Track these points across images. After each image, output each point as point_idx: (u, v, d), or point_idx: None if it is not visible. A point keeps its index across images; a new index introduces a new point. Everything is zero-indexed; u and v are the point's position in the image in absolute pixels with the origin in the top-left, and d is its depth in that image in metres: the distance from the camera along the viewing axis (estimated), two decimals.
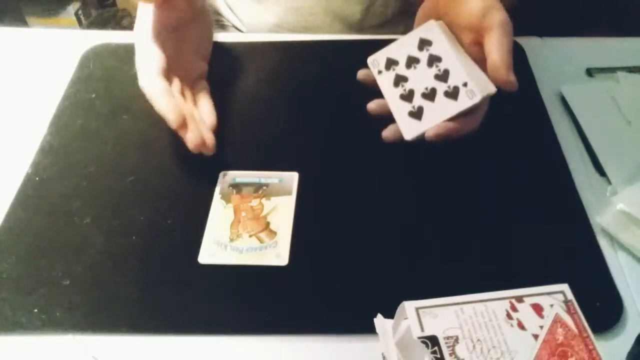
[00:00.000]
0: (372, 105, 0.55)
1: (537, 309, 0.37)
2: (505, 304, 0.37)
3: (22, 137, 0.59)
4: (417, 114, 0.52)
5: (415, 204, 0.53)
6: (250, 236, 0.50)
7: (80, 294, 0.47)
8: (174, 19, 0.57)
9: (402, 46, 0.54)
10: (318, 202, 0.53)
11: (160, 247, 0.50)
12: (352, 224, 0.51)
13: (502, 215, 0.52)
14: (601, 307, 0.45)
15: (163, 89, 0.51)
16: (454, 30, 0.53)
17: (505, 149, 0.57)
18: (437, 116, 0.51)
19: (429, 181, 0.55)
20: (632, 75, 0.64)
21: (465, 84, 0.50)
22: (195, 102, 0.57)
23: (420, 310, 0.37)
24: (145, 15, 0.56)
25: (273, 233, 0.50)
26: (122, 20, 1.78)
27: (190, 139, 0.51)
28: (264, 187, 0.54)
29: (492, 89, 0.50)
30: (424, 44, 0.53)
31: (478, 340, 0.36)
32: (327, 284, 0.47)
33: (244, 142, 0.58)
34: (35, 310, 0.45)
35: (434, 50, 0.52)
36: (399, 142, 0.54)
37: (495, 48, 0.49)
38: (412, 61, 0.53)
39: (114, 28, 1.75)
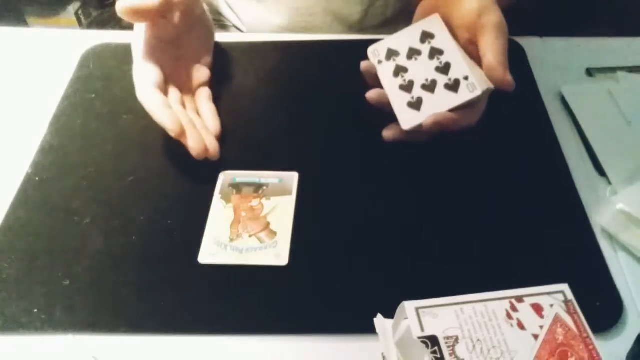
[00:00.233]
0: (372, 94, 0.54)
1: (537, 309, 0.37)
2: (505, 304, 0.37)
3: (22, 137, 0.59)
4: (416, 104, 0.51)
5: (415, 204, 0.53)
6: (250, 236, 0.50)
7: (80, 294, 0.47)
8: (171, 32, 0.57)
9: (404, 38, 0.54)
10: (318, 202, 0.53)
11: (160, 247, 0.50)
12: (352, 224, 0.51)
13: (502, 215, 0.52)
14: (601, 307, 0.45)
15: (159, 102, 0.52)
16: (450, 29, 0.54)
17: (505, 149, 0.57)
18: (437, 108, 0.51)
19: (429, 181, 0.55)
20: (632, 75, 0.64)
21: (466, 78, 0.50)
22: (198, 109, 0.57)
23: (420, 310, 0.37)
24: (142, 27, 0.56)
25: (273, 233, 0.50)
26: (122, 20, 1.78)
27: (192, 146, 0.51)
28: (264, 187, 0.54)
29: (492, 84, 0.51)
30: (426, 36, 0.53)
31: (478, 340, 0.36)
32: (327, 284, 0.47)
33: (244, 142, 0.58)
34: (35, 310, 0.45)
35: (436, 43, 0.52)
36: (399, 141, 0.54)
37: (490, 48, 0.49)
38: (413, 53, 0.53)
39: (114, 28, 1.75)
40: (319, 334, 0.45)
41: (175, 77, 0.57)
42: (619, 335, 0.45)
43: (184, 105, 0.56)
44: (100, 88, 0.63)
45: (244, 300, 0.46)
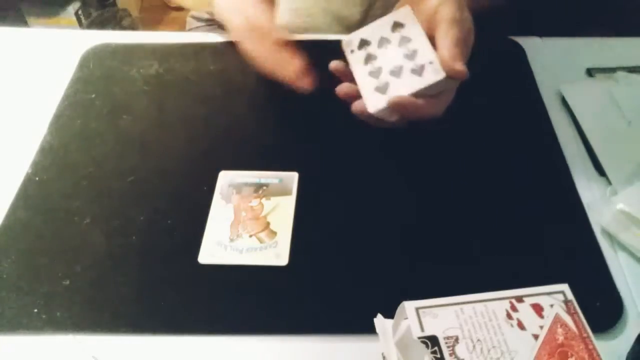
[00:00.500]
0: (341, 88, 0.55)
1: (537, 309, 0.37)
2: (505, 304, 0.37)
3: (22, 137, 0.59)
4: (382, 88, 0.52)
5: (415, 204, 0.53)
6: (250, 236, 0.50)
7: (80, 294, 0.47)
8: None
9: (376, 28, 0.55)
10: (318, 202, 0.53)
11: (160, 247, 0.50)
12: (352, 224, 0.51)
13: (502, 215, 0.52)
14: (601, 307, 0.45)
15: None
16: None
17: (505, 149, 0.57)
18: (402, 91, 0.51)
19: (429, 181, 0.55)
20: (632, 75, 0.64)
21: (431, 62, 0.51)
22: None
23: (420, 310, 0.37)
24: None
25: (273, 233, 0.50)
26: (122, 20, 1.78)
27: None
28: (264, 187, 0.54)
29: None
30: (396, 26, 0.54)
31: (478, 340, 0.36)
32: (327, 284, 0.47)
33: (244, 142, 0.58)
34: (35, 310, 0.45)
35: (405, 32, 0.53)
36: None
37: (442, 40, 0.50)
38: (383, 41, 0.54)
39: (114, 28, 1.75)
40: (319, 334, 0.45)
41: None
42: (619, 335, 0.45)
43: None
44: (100, 88, 0.63)
45: (244, 300, 0.46)
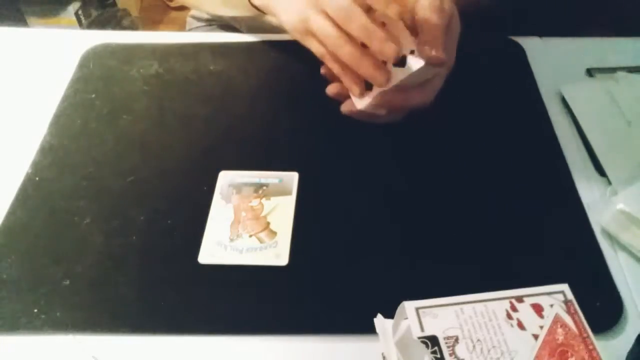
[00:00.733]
0: (331, 88, 0.55)
1: (537, 309, 0.37)
2: (505, 304, 0.37)
3: (22, 137, 0.59)
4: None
5: (415, 204, 0.53)
6: (250, 236, 0.50)
7: (80, 294, 0.47)
8: None
9: None
10: (318, 202, 0.53)
11: (160, 247, 0.50)
12: (352, 224, 0.51)
13: (502, 215, 0.52)
14: (601, 307, 0.45)
15: None
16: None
17: (505, 149, 0.57)
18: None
19: (429, 181, 0.55)
20: (632, 75, 0.64)
21: (412, 52, 0.50)
22: None
23: (420, 310, 0.37)
24: None
25: (273, 233, 0.50)
26: (122, 20, 1.78)
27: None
28: (264, 187, 0.54)
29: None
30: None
31: (478, 340, 0.36)
32: (327, 284, 0.47)
33: (244, 142, 0.58)
34: (35, 310, 0.45)
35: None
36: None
37: (421, 26, 0.49)
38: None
39: (114, 28, 1.75)
40: (319, 334, 0.45)
41: None
42: (619, 335, 0.45)
43: None
44: (100, 88, 0.63)
45: (244, 300, 0.46)
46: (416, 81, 0.51)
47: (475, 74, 0.62)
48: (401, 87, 0.50)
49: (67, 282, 0.47)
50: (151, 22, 2.02)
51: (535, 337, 0.36)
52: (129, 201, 0.53)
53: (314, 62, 0.56)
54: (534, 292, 0.38)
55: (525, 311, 0.37)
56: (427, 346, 0.35)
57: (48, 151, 0.57)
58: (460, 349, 0.35)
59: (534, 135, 0.59)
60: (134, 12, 1.94)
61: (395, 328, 0.39)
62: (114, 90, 0.63)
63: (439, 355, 0.35)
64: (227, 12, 0.71)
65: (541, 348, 0.35)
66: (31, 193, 0.54)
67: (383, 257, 0.49)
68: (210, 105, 0.62)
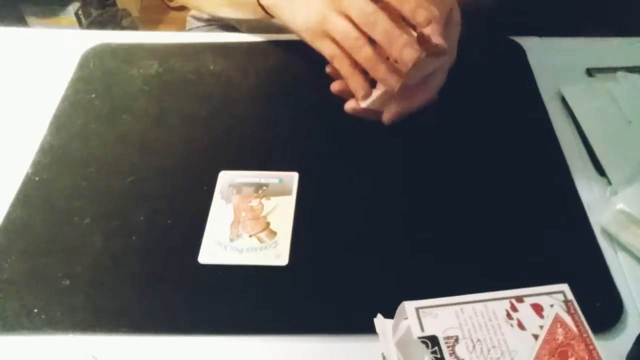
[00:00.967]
0: (335, 85, 0.55)
1: (537, 309, 0.37)
2: (505, 304, 0.37)
3: (22, 137, 0.59)
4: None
5: (415, 204, 0.53)
6: (250, 236, 0.50)
7: (80, 294, 0.46)
8: None
9: None
10: (318, 202, 0.53)
11: (160, 247, 0.50)
12: (352, 223, 0.51)
13: (502, 215, 0.52)
14: (601, 307, 0.45)
15: None
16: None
17: (505, 149, 0.57)
18: None
19: (429, 181, 0.55)
20: (632, 75, 0.64)
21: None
22: None
23: (420, 310, 0.37)
24: None
25: (273, 233, 0.50)
26: (122, 20, 1.79)
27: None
28: (264, 187, 0.54)
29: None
30: None
31: (478, 340, 0.36)
32: (327, 284, 0.47)
33: (244, 142, 0.58)
34: (35, 310, 0.45)
35: None
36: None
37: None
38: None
39: (114, 28, 1.75)
40: (319, 334, 0.45)
41: None
42: (619, 335, 0.45)
43: None
44: (100, 88, 0.63)
45: (244, 300, 0.46)
46: (418, 74, 0.51)
47: (475, 74, 0.62)
48: (404, 84, 0.50)
49: (67, 282, 0.47)
50: (151, 22, 2.02)
51: (535, 337, 0.36)
52: (128, 201, 0.53)
53: (314, 62, 0.56)
54: (534, 292, 0.38)
55: (525, 311, 0.37)
56: (427, 346, 0.35)
57: (48, 151, 0.57)
58: (460, 349, 0.35)
59: (534, 135, 0.59)
60: (134, 12, 1.94)
61: (395, 328, 0.39)
62: (114, 90, 0.63)
63: (439, 355, 0.35)
64: (229, 13, 0.71)
65: (541, 348, 0.35)
66: (31, 193, 0.54)
67: (383, 257, 0.49)
68: (210, 105, 0.62)
